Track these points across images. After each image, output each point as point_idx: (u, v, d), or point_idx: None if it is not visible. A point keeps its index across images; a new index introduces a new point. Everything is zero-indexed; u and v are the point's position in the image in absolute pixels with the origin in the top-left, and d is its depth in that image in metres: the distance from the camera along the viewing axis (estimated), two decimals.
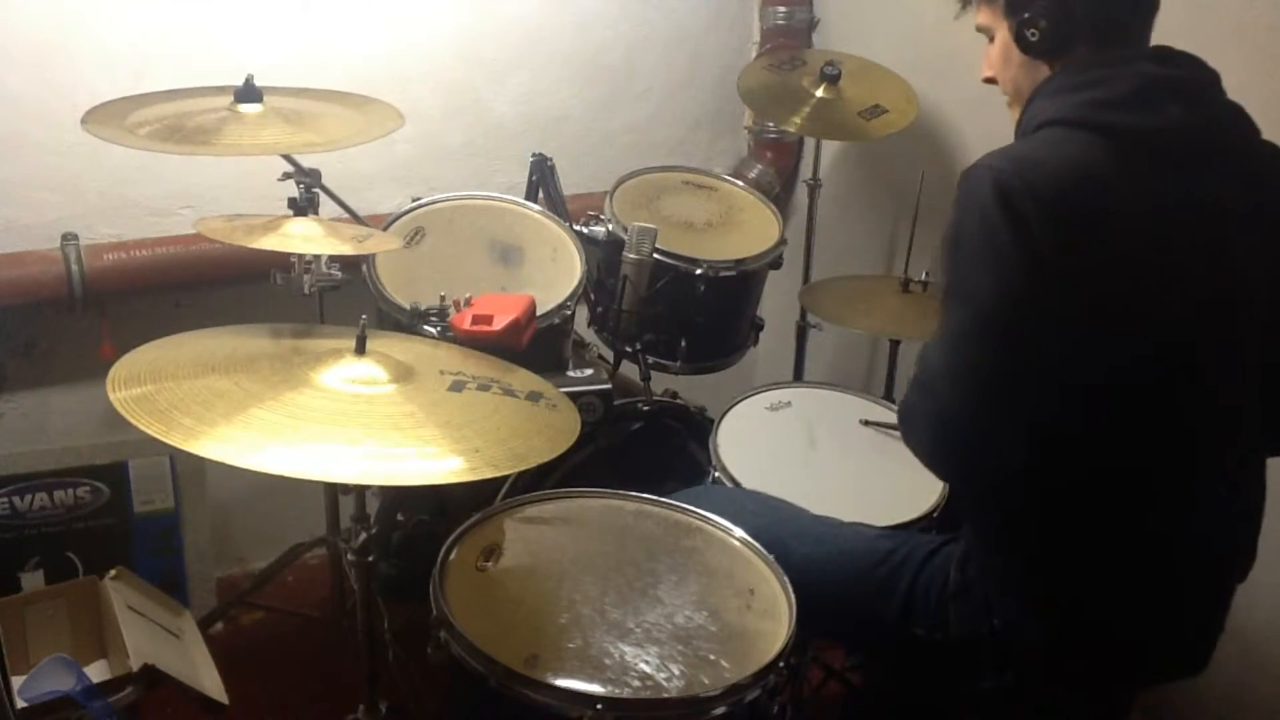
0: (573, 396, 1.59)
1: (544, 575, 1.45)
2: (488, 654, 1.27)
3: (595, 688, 1.25)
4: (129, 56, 2.14)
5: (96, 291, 2.17)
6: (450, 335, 1.81)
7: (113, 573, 1.92)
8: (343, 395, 1.36)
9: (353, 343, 1.44)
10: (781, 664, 1.33)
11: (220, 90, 1.85)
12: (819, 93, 2.42)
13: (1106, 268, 1.27)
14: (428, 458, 1.27)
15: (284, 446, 1.23)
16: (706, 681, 1.29)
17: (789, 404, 2.01)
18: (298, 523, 2.36)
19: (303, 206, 1.86)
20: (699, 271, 2.14)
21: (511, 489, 1.89)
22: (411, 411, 1.35)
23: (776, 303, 2.65)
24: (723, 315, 2.28)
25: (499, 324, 1.77)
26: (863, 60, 2.49)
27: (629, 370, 2.27)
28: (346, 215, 2.08)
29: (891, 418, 1.98)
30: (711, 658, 1.33)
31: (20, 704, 1.67)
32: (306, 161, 1.93)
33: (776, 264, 2.28)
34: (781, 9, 2.75)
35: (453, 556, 1.45)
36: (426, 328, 1.86)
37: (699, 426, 2.10)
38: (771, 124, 2.79)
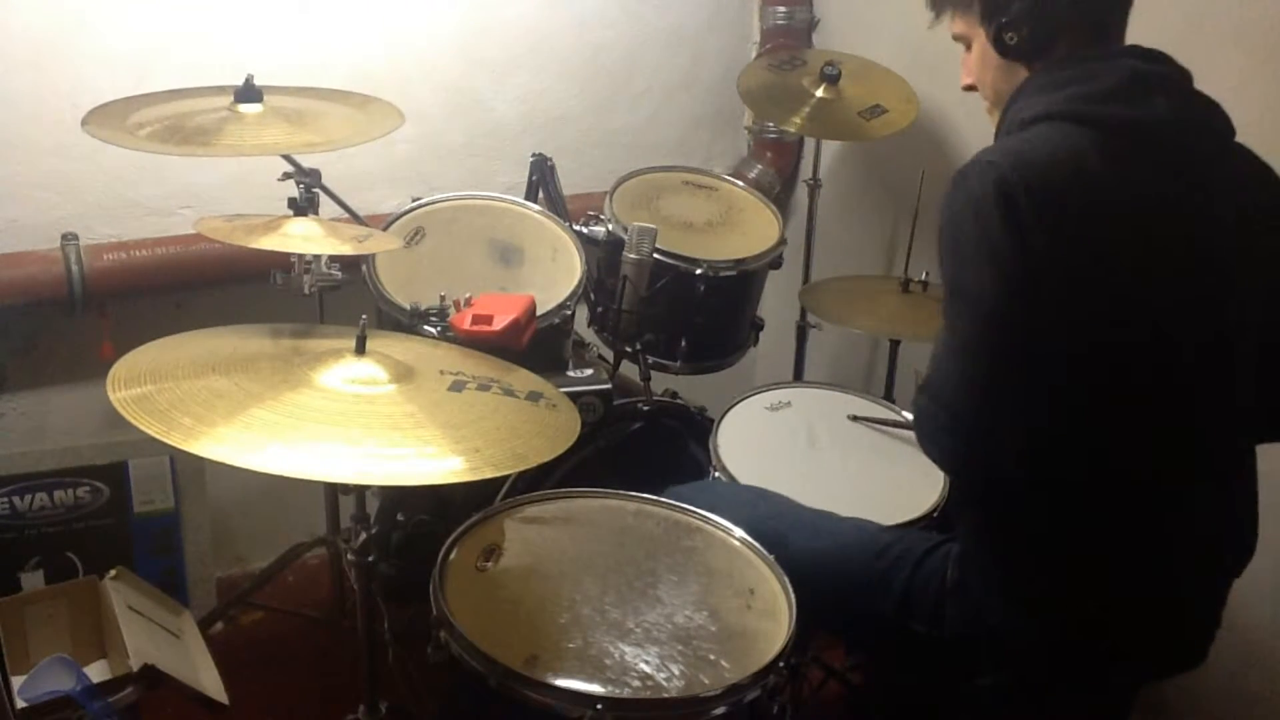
0: (573, 396, 1.59)
1: (544, 575, 1.45)
2: (488, 654, 1.27)
3: (595, 688, 1.25)
4: (129, 57, 2.14)
5: (96, 291, 2.17)
6: (450, 335, 1.81)
7: (113, 573, 1.92)
8: (343, 395, 1.36)
9: (353, 343, 1.44)
10: (781, 664, 1.33)
11: (220, 90, 1.85)
12: (819, 93, 2.42)
13: (1100, 260, 1.27)
14: (428, 458, 1.27)
15: (284, 446, 1.23)
16: (706, 681, 1.29)
17: (789, 404, 2.01)
18: (298, 523, 2.36)
19: (303, 206, 1.86)
20: (699, 271, 2.14)
21: (511, 489, 1.89)
22: (411, 411, 1.35)
23: (776, 303, 2.65)
24: (723, 315, 2.28)
25: (499, 324, 1.77)
26: (863, 60, 2.49)
27: (629, 370, 2.27)
28: (346, 215, 2.08)
29: (880, 412, 1.99)
30: (711, 658, 1.33)
31: (20, 704, 1.66)
32: (306, 161, 1.93)
33: (776, 264, 2.28)
34: (781, 9, 2.75)
35: (453, 556, 1.45)
36: (426, 328, 1.86)
37: (699, 426, 2.10)
38: (771, 124, 2.79)
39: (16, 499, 2.12)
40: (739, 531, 1.56)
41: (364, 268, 1.97)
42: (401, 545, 2.06)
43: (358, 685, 1.63)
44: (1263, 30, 1.83)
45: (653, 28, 2.70)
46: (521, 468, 1.34)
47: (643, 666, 1.30)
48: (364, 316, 1.47)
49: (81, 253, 2.15)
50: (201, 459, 1.25)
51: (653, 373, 2.22)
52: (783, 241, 2.29)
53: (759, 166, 2.88)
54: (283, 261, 1.87)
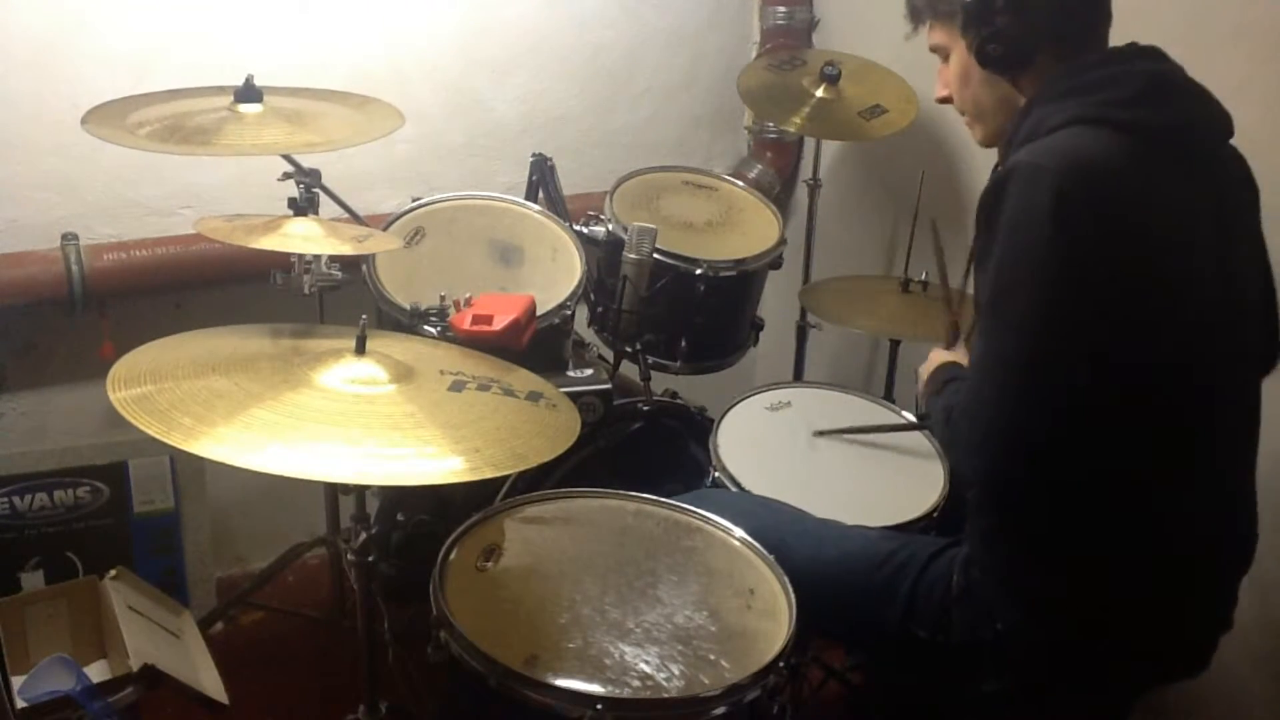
0: (573, 396, 1.59)
1: (544, 575, 1.45)
2: (488, 654, 1.27)
3: (595, 688, 1.25)
4: (129, 56, 2.14)
5: (96, 291, 2.17)
6: (450, 335, 1.81)
7: (113, 573, 1.92)
8: (343, 395, 1.36)
9: (353, 343, 1.44)
10: (781, 664, 1.33)
11: (220, 90, 1.85)
12: (819, 93, 2.42)
13: (1144, 267, 1.28)
14: (428, 458, 1.27)
15: (284, 446, 1.23)
16: (706, 681, 1.29)
17: (789, 404, 2.01)
18: (298, 523, 2.36)
19: (303, 206, 1.86)
20: (699, 271, 2.14)
21: (511, 489, 1.89)
22: (411, 411, 1.35)
23: (776, 303, 2.65)
24: (723, 315, 2.28)
25: (499, 324, 1.77)
26: (863, 60, 2.49)
27: (629, 370, 2.27)
28: (346, 215, 2.08)
29: (848, 423, 1.96)
30: (711, 658, 1.33)
31: (20, 704, 1.67)
32: (306, 161, 1.93)
33: (776, 264, 2.28)
34: (781, 9, 2.75)
35: (453, 556, 1.45)
36: (426, 328, 1.86)
37: (699, 426, 2.10)
38: (771, 124, 2.79)
39: (16, 499, 2.12)
40: (739, 531, 1.55)
41: (364, 268, 1.97)
42: (401, 545, 2.06)
43: (358, 685, 1.63)
44: (1263, 30, 1.83)
45: (653, 28, 2.70)
46: (521, 468, 1.34)
47: (643, 666, 1.30)
48: (364, 316, 1.47)
49: (81, 253, 2.15)
50: (201, 459, 1.25)
51: (653, 373, 2.22)
52: (783, 241, 2.29)
53: (759, 166, 2.88)
54: (283, 261, 1.87)
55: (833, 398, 2.07)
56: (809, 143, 2.74)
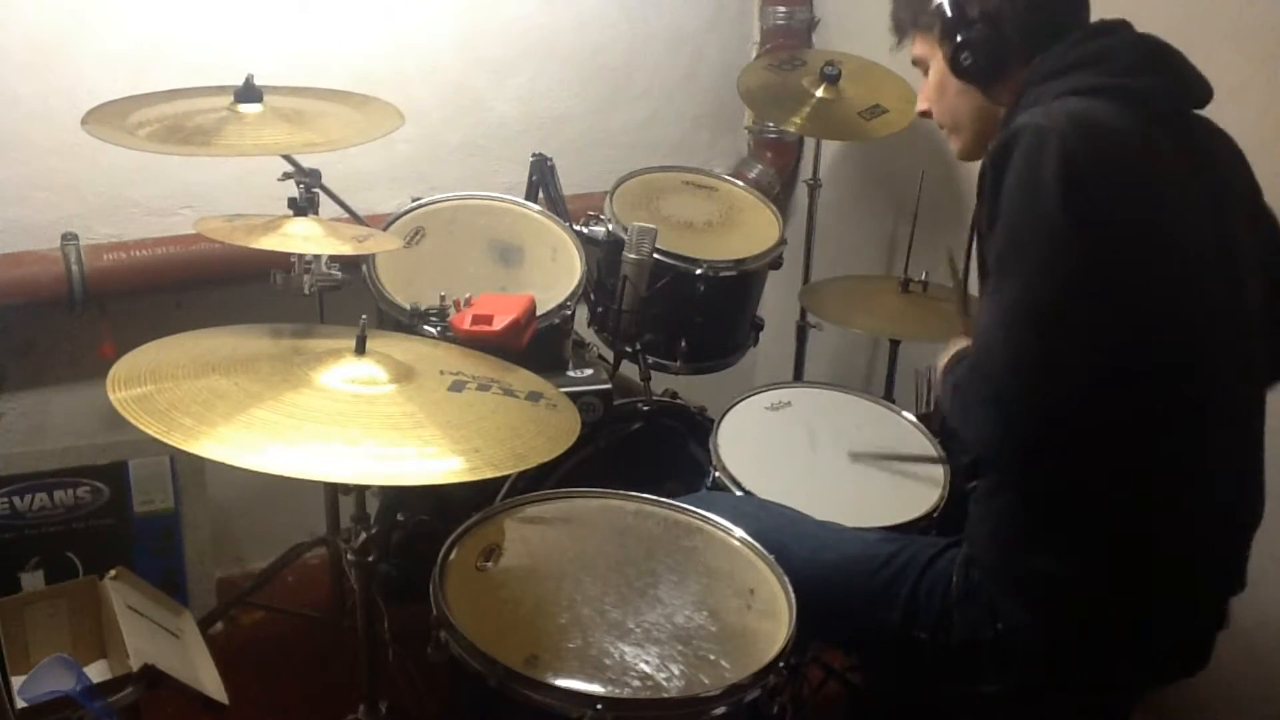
0: (573, 396, 1.59)
1: (544, 575, 1.45)
2: (488, 654, 1.27)
3: (595, 688, 1.25)
4: (129, 56, 2.14)
5: (96, 291, 2.17)
6: (450, 335, 1.81)
7: (113, 573, 1.92)
8: (343, 395, 1.36)
9: (353, 343, 1.44)
10: (781, 664, 1.33)
11: (220, 90, 1.85)
12: (819, 93, 2.42)
13: (1147, 227, 1.28)
14: (428, 458, 1.27)
15: (284, 446, 1.23)
16: (706, 681, 1.29)
17: (789, 404, 2.01)
18: (298, 523, 2.36)
19: (303, 206, 1.86)
20: (699, 271, 2.14)
21: (511, 489, 1.89)
22: (411, 411, 1.35)
23: (776, 303, 2.65)
24: (722, 315, 2.28)
25: (499, 324, 1.77)
26: (863, 60, 2.49)
27: (629, 370, 2.27)
28: (346, 215, 2.08)
29: (882, 437, 1.94)
30: (711, 658, 1.33)
31: (20, 704, 1.66)
32: (306, 161, 1.93)
33: (776, 264, 2.28)
34: (781, 9, 2.75)
35: (453, 556, 1.45)
36: (426, 328, 1.86)
37: (699, 426, 2.10)
38: (771, 124, 2.79)
39: (16, 499, 2.12)
40: (739, 531, 1.55)
41: (364, 268, 1.97)
42: (401, 545, 2.06)
43: (358, 685, 1.63)
44: (1263, 30, 1.83)
45: (653, 28, 2.70)
46: (521, 468, 1.34)
47: (643, 666, 1.30)
48: (364, 316, 1.47)
49: (81, 252, 2.15)
50: (201, 459, 1.25)
51: (653, 373, 2.22)
52: (783, 241, 2.29)
53: (759, 166, 2.88)
54: (283, 261, 1.87)
55: (833, 398, 2.07)
56: (809, 143, 2.74)
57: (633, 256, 2.08)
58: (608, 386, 1.98)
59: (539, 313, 1.91)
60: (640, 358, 2.22)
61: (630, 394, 2.16)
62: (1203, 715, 2.03)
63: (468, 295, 1.85)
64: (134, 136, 1.73)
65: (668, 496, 1.64)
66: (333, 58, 2.32)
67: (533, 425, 1.41)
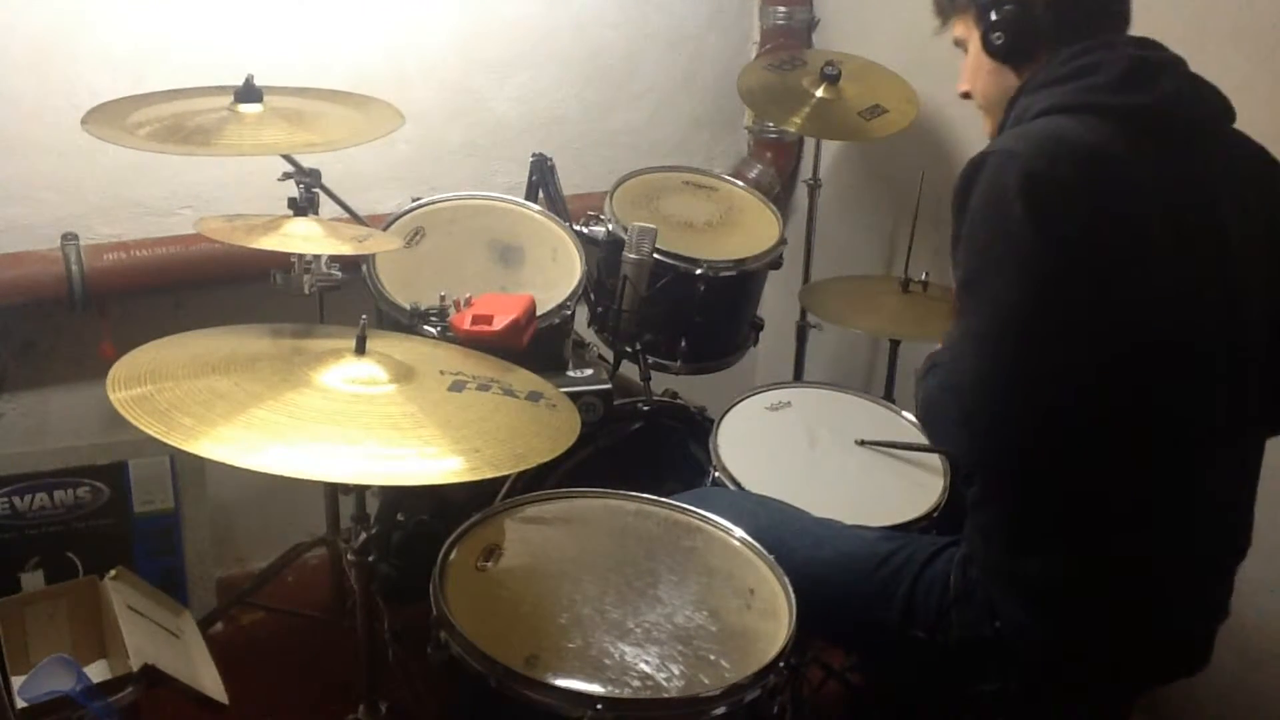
0: (573, 396, 1.59)
1: (544, 575, 1.45)
2: (488, 654, 1.27)
3: (595, 688, 1.25)
4: (129, 56, 2.14)
5: (96, 291, 2.17)
6: (450, 335, 1.81)
7: (113, 573, 1.92)
8: (343, 395, 1.36)
9: (353, 343, 1.44)
10: (781, 664, 1.33)
11: (220, 90, 1.85)
12: (819, 93, 2.42)
13: (1124, 247, 1.27)
14: (428, 458, 1.27)
15: (284, 446, 1.23)
16: (706, 681, 1.29)
17: (789, 404, 2.01)
18: (298, 523, 2.36)
19: (303, 206, 1.85)
20: (699, 271, 2.14)
21: (511, 489, 1.89)
22: (411, 411, 1.35)
23: (776, 303, 2.65)
24: (723, 315, 2.27)
25: (499, 324, 1.77)
26: (863, 60, 2.49)
27: (629, 370, 2.27)
28: (346, 215, 2.08)
29: (886, 428, 1.96)
30: (711, 658, 1.33)
31: (20, 704, 1.67)
32: (306, 161, 1.92)
33: (776, 264, 2.28)
34: (781, 9, 2.75)
35: (453, 556, 1.45)
36: (426, 328, 1.86)
37: (699, 426, 2.10)
38: (771, 124, 2.79)
39: (16, 499, 2.12)
40: (739, 531, 1.55)
41: (364, 268, 1.97)
42: (401, 545, 2.06)
43: (358, 685, 1.63)
44: (1263, 30, 1.83)
45: (653, 28, 2.70)
46: (521, 468, 1.34)
47: (643, 666, 1.30)
48: (364, 316, 1.47)
49: (81, 253, 2.15)
50: (201, 459, 1.25)
51: (653, 373, 2.22)
52: (783, 241, 2.29)
53: (759, 166, 2.88)
54: (283, 261, 1.87)
55: (833, 398, 2.07)
56: (809, 143, 2.74)
57: (633, 256, 2.08)
58: (608, 386, 1.98)
59: (539, 313, 1.91)
60: (640, 358, 2.22)
61: (630, 394, 2.16)
62: (1203, 715, 2.03)
63: (468, 295, 1.85)
64: (134, 136, 1.73)
65: (667, 496, 1.64)
66: (333, 58, 2.32)
67: (533, 425, 1.41)
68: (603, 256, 2.20)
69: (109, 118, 1.77)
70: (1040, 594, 1.37)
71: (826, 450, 1.90)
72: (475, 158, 2.57)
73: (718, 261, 2.17)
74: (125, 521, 2.22)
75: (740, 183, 2.48)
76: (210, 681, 1.81)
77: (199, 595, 2.31)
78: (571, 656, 1.30)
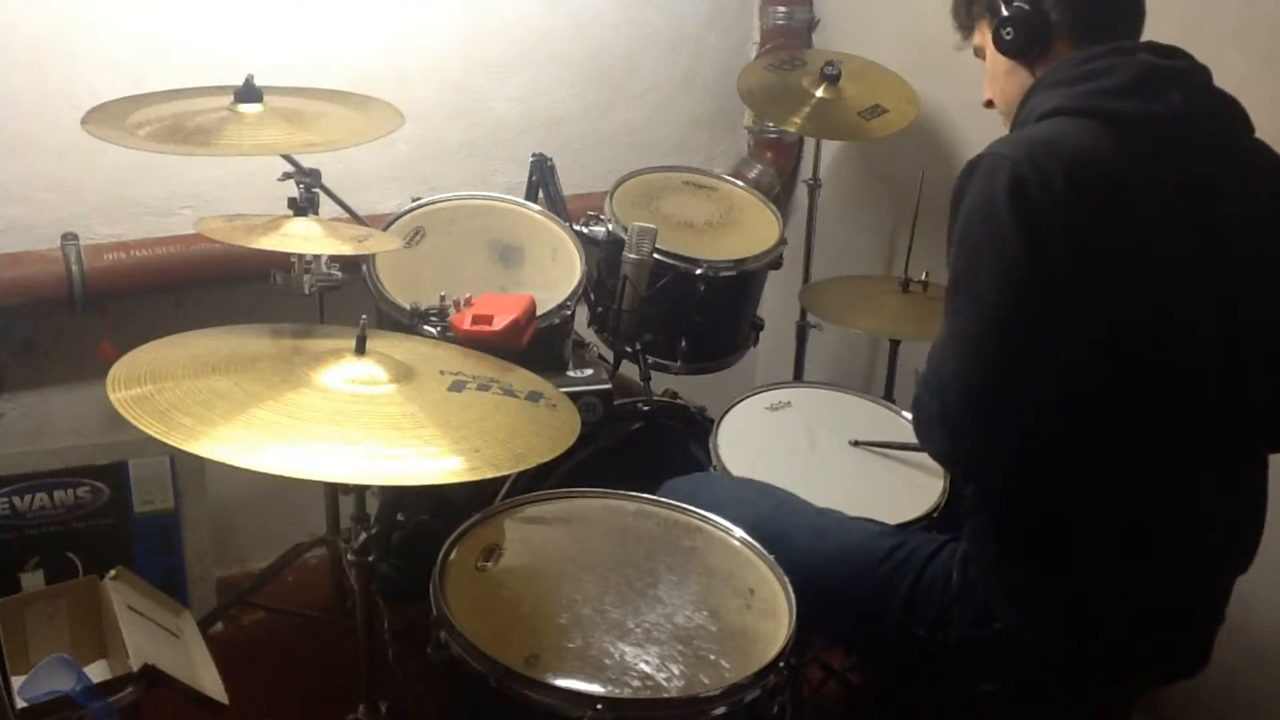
0: (573, 396, 1.59)
1: (544, 575, 1.45)
2: (488, 654, 1.27)
3: (595, 688, 1.25)
4: (129, 56, 2.14)
5: (96, 291, 2.17)
6: (450, 335, 1.81)
7: (113, 573, 1.92)
8: (343, 395, 1.36)
9: (353, 343, 1.44)
10: (781, 664, 1.33)
11: (220, 90, 1.85)
12: (819, 93, 2.42)
13: (1113, 254, 1.27)
14: (428, 458, 1.27)
15: (284, 446, 1.23)
16: (706, 681, 1.29)
17: (789, 404, 2.01)
18: (298, 523, 2.36)
19: (303, 206, 1.85)
20: (699, 271, 2.14)
21: (511, 489, 1.89)
22: (411, 411, 1.35)
23: (776, 303, 2.65)
24: (722, 315, 2.28)
25: (499, 324, 1.77)
26: (863, 60, 2.49)
27: (629, 370, 2.27)
28: (346, 215, 2.08)
29: (882, 426, 1.96)
30: (711, 658, 1.33)
31: (20, 704, 1.66)
32: (306, 161, 1.92)
33: (776, 264, 2.28)
34: (781, 9, 2.75)
35: (453, 556, 1.45)
36: (426, 328, 1.86)
37: (699, 426, 2.10)
38: (771, 124, 2.79)
39: (16, 499, 2.12)
40: (739, 531, 1.55)
41: (364, 268, 1.97)
42: (401, 545, 2.06)
43: (358, 685, 1.63)
44: (1263, 30, 1.83)
45: (653, 28, 2.70)
46: (521, 468, 1.34)
47: (643, 666, 1.30)
48: (364, 316, 1.47)
49: (81, 252, 2.15)
50: (201, 459, 1.25)
51: (653, 373, 2.22)
52: (783, 241, 2.29)
53: (759, 166, 2.88)
54: (283, 261, 1.87)
55: (833, 398, 2.07)
56: (809, 143, 2.74)
57: (633, 256, 2.08)
58: (608, 386, 1.98)
59: (539, 313, 1.91)
60: (640, 358, 2.22)
61: (630, 394, 2.16)
62: (1202, 715, 2.03)
63: (468, 295, 1.85)
64: (134, 136, 1.73)
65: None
66: (333, 58, 2.32)
67: (533, 425, 1.41)
68: (603, 256, 2.20)
69: (109, 118, 1.77)
70: (1035, 597, 1.37)
71: (826, 450, 1.90)
72: (475, 158, 2.57)
73: (718, 261, 2.17)
74: (125, 521, 2.22)
75: (740, 183, 2.48)
76: (210, 681, 1.81)
77: (199, 595, 2.31)
78: (571, 656, 1.30)
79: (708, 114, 2.86)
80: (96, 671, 1.85)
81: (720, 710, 1.28)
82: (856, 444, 1.90)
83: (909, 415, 1.97)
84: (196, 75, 2.00)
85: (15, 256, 2.13)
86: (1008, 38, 1.41)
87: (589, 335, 2.28)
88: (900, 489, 1.78)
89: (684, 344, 2.22)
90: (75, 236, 2.17)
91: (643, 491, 1.63)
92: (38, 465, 2.13)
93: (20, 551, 2.13)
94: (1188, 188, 1.31)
